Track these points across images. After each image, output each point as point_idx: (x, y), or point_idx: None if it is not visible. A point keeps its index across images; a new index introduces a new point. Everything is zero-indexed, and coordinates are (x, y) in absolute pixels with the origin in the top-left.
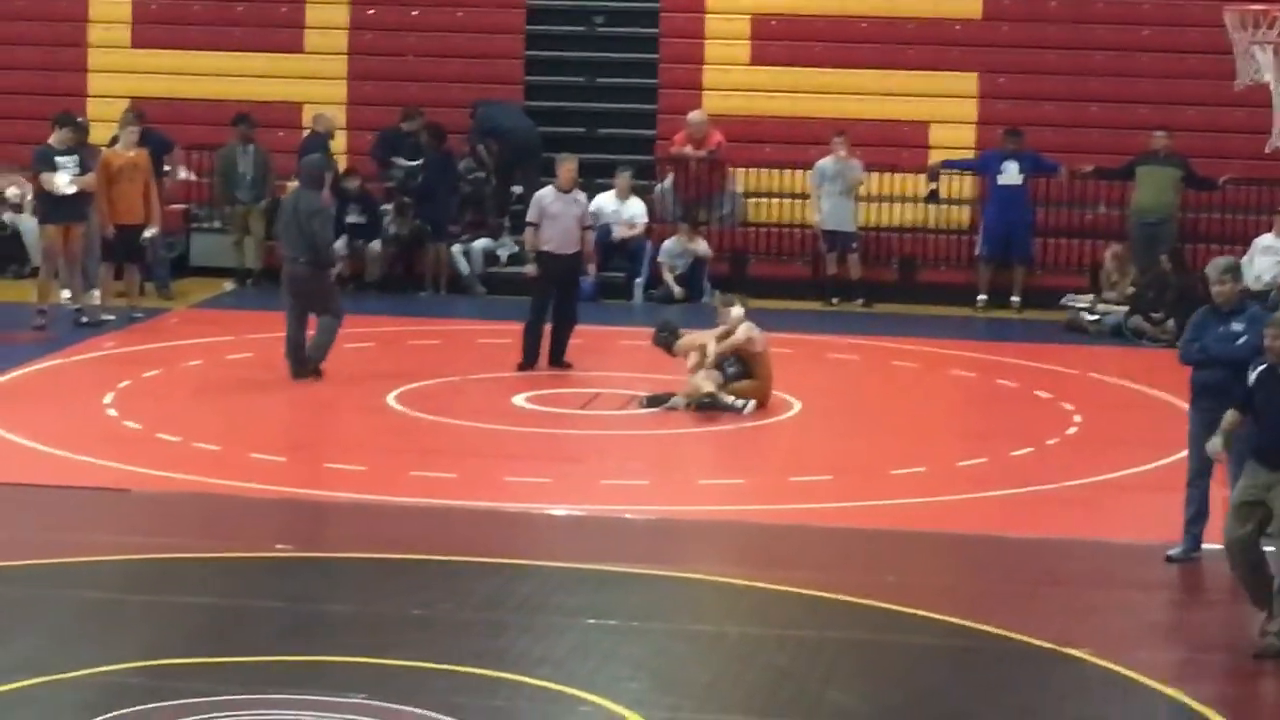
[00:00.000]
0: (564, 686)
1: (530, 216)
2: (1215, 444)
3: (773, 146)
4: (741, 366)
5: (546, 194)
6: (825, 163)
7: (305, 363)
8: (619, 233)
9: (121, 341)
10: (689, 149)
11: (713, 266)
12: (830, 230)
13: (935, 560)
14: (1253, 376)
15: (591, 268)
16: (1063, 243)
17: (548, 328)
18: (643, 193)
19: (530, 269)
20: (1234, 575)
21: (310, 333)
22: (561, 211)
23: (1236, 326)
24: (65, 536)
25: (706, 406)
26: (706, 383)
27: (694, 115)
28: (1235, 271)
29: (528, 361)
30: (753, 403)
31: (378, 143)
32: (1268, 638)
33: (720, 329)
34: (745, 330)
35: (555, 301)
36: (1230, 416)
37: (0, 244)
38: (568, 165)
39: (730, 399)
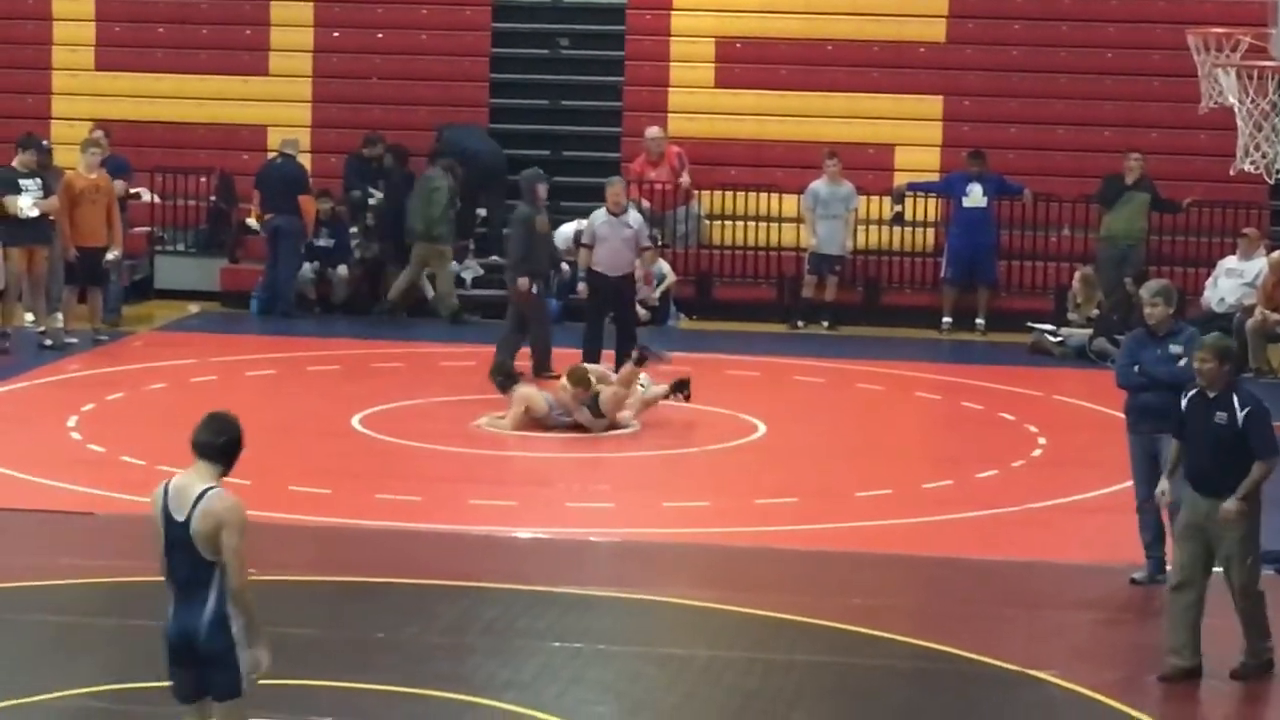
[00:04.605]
0: (531, 710)
1: (584, 238)
2: (1164, 487)
3: (737, 169)
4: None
5: (598, 215)
6: (818, 185)
7: (504, 368)
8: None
9: (85, 364)
10: (652, 173)
11: (678, 289)
12: (821, 254)
13: (901, 582)
14: (1184, 402)
15: (643, 287)
16: (1027, 265)
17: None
18: None
19: (581, 288)
20: (1167, 607)
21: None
22: (609, 234)
23: (1175, 349)
24: (29, 560)
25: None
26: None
27: (651, 131)
28: (1167, 294)
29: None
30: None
31: (346, 168)
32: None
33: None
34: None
35: (612, 320)
36: (1174, 453)
37: None
38: (614, 188)
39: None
